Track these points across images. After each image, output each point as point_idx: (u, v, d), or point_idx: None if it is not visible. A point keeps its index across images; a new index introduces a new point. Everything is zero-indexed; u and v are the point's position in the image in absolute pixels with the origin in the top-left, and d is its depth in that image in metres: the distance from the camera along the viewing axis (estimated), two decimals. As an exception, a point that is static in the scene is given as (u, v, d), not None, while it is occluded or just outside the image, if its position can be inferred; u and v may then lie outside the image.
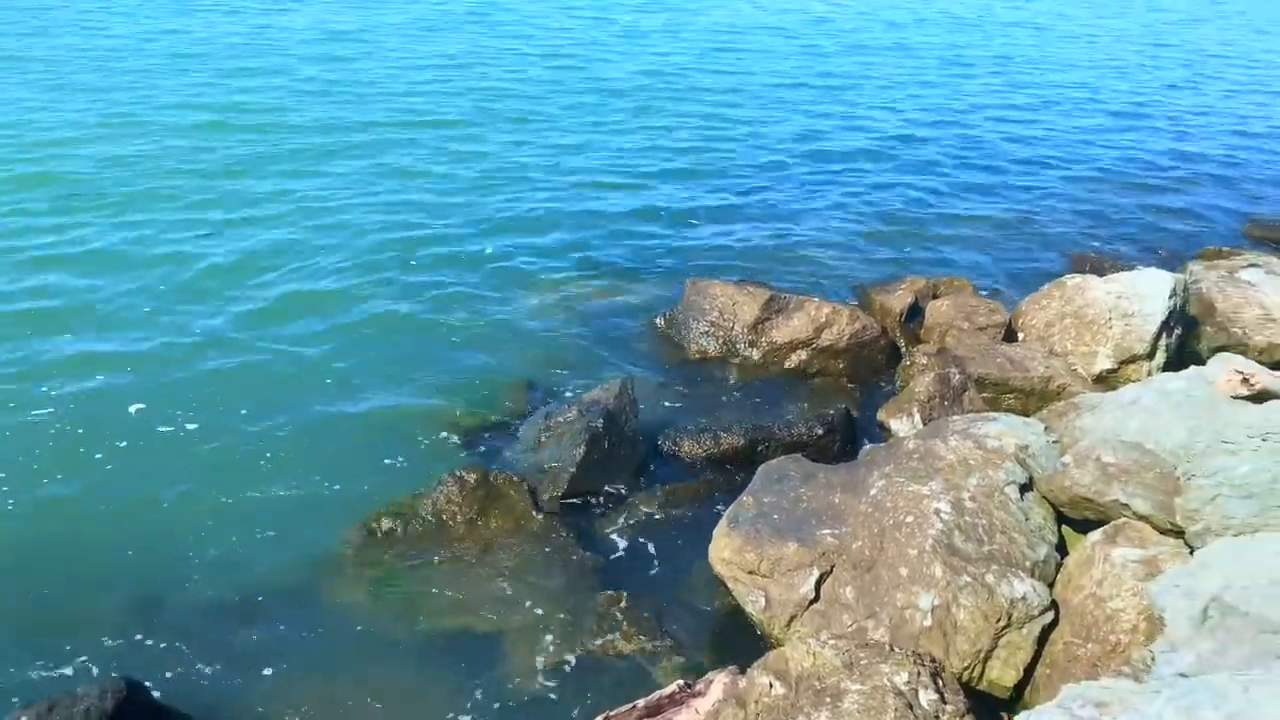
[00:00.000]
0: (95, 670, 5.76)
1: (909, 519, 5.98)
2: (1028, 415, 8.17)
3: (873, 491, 6.33)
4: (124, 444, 8.11)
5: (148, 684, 5.54)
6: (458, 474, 7.64)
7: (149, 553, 6.95)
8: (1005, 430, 6.89)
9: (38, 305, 10.28)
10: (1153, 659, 4.19)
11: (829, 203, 15.43)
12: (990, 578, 5.64)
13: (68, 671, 5.80)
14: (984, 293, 11.58)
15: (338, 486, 7.81)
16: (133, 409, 8.55)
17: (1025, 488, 6.46)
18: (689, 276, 11.21)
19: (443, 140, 17.24)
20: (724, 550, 6.36)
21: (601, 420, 8.13)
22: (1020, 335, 10.48)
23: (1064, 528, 6.59)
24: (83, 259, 11.39)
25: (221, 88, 18.94)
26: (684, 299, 10.71)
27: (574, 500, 7.79)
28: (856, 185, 16.46)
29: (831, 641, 4.70)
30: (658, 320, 10.82)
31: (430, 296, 11.20)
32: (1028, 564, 5.84)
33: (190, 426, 8.41)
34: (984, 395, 9.23)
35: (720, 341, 10.30)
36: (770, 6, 37.79)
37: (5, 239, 11.76)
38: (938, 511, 6.01)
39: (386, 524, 7.32)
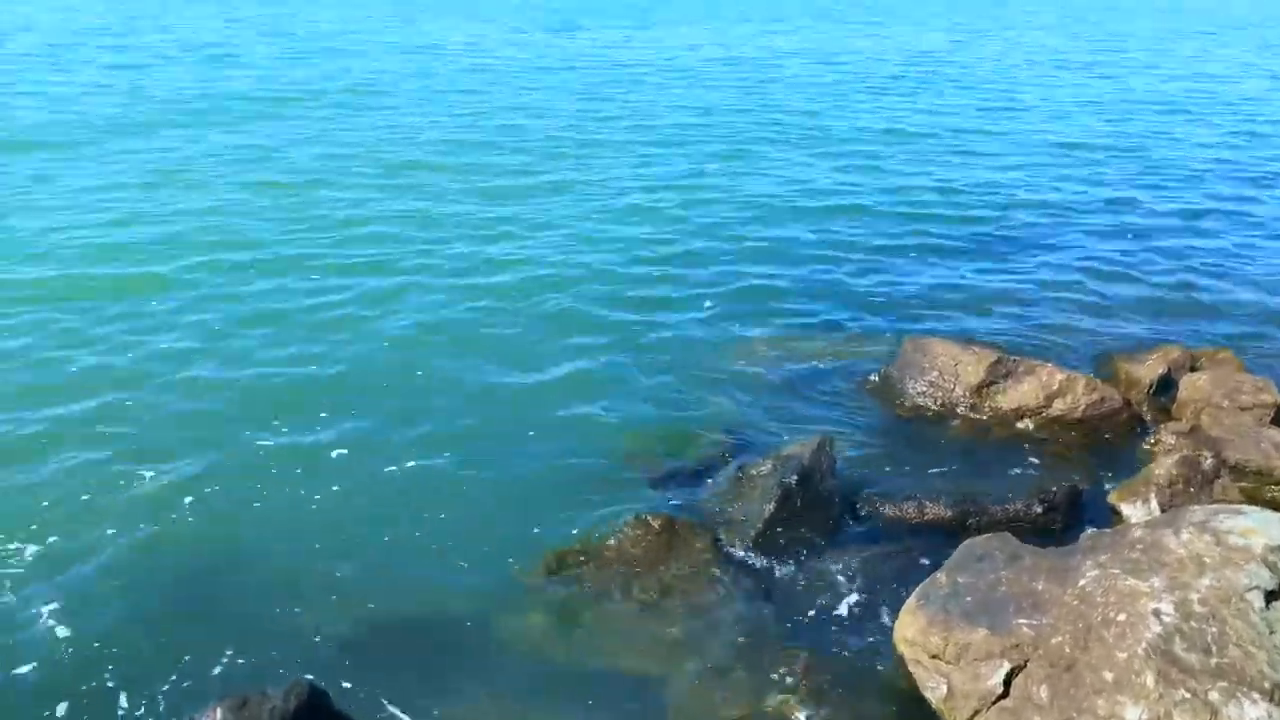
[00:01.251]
0: (281, 672, 6.14)
1: (1121, 617, 5.29)
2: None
3: (1082, 582, 5.67)
4: (323, 473, 8.56)
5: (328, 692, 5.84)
6: (643, 517, 7.62)
7: (337, 573, 7.32)
8: (1254, 526, 5.98)
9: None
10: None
11: (1073, 260, 14.32)
12: (1215, 695, 4.86)
13: (253, 673, 6.23)
14: (1253, 369, 10.23)
15: (522, 518, 7.98)
16: (328, 443, 9.05)
17: (1273, 596, 5.55)
18: (910, 334, 10.71)
19: (673, 180, 17.66)
20: (908, 629, 5.91)
21: (795, 476, 7.85)
22: (1295, 420, 9.15)
23: (1325, 649, 5.60)
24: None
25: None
26: (901, 356, 10.22)
27: (760, 555, 7.53)
28: (1104, 243, 15.18)
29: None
30: (872, 377, 10.38)
31: (636, 337, 11.38)
32: (1266, 685, 4.98)
33: (384, 454, 8.84)
34: (1240, 485, 8.11)
35: (938, 403, 9.72)
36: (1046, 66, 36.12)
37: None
38: (1157, 612, 5.27)
39: (568, 561, 7.39)
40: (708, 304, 12.47)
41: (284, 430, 9.13)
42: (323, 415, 9.41)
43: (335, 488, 8.34)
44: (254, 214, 15.28)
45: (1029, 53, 39.69)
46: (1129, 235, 15.64)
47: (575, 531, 7.79)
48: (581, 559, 7.44)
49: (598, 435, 9.23)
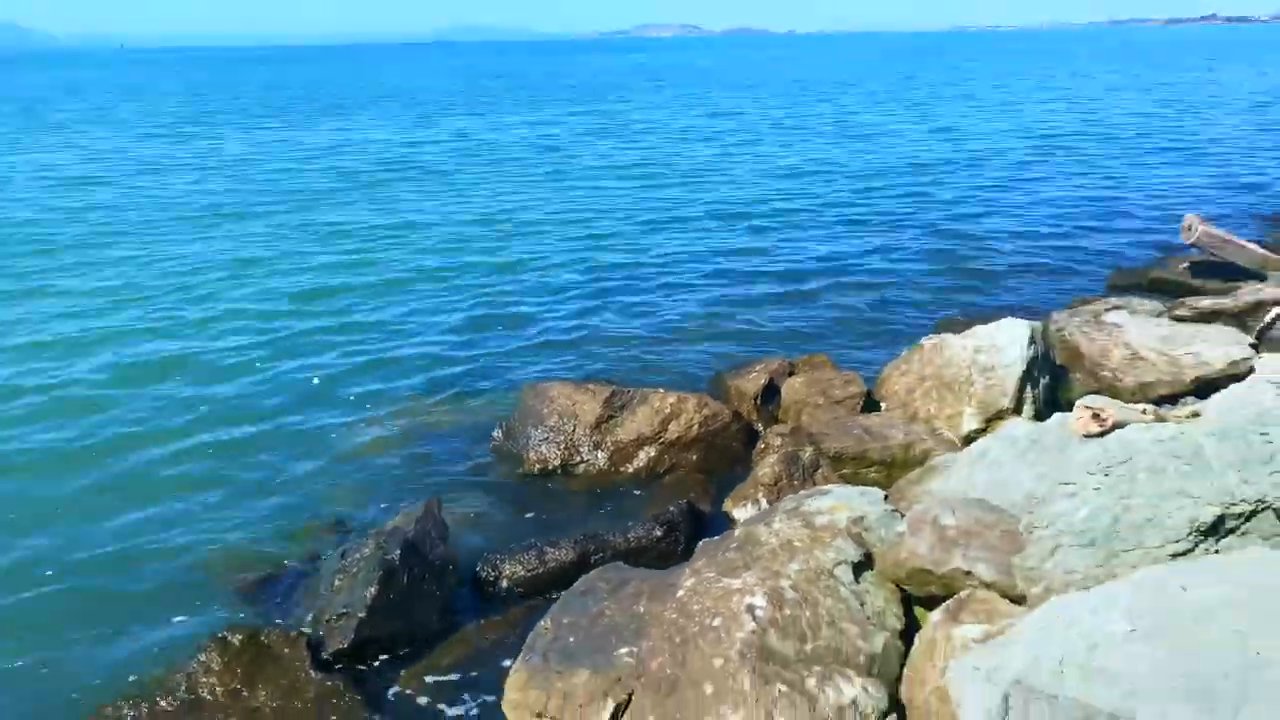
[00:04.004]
0: None
1: (716, 621, 4.96)
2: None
3: (680, 593, 5.31)
4: None
5: None
6: (221, 635, 6.39)
7: None
8: (837, 503, 5.98)
9: None
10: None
11: (681, 294, 14.87)
12: (812, 683, 4.61)
13: None
14: (846, 368, 10.86)
15: (73, 669, 6.49)
16: None
17: (861, 567, 5.51)
18: (528, 381, 10.33)
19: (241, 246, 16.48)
20: (512, 690, 5.24)
21: (399, 550, 6.99)
22: (883, 406, 9.73)
23: (917, 609, 5.64)
24: None
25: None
26: (520, 405, 9.76)
27: (366, 652, 6.57)
28: (708, 273, 16.01)
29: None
30: (495, 433, 9.82)
31: (223, 429, 10.08)
32: (860, 659, 4.83)
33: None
34: (841, 472, 8.36)
35: (561, 448, 9.32)
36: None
37: None
38: (751, 608, 5.00)
39: (127, 713, 5.99)
40: (315, 382, 11.39)
41: None
42: None
43: None
44: None
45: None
46: (721, 270, 16.56)
47: (143, 672, 6.42)
48: (146, 705, 6.07)
49: (178, 553, 7.85)
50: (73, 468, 9.31)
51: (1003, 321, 9.84)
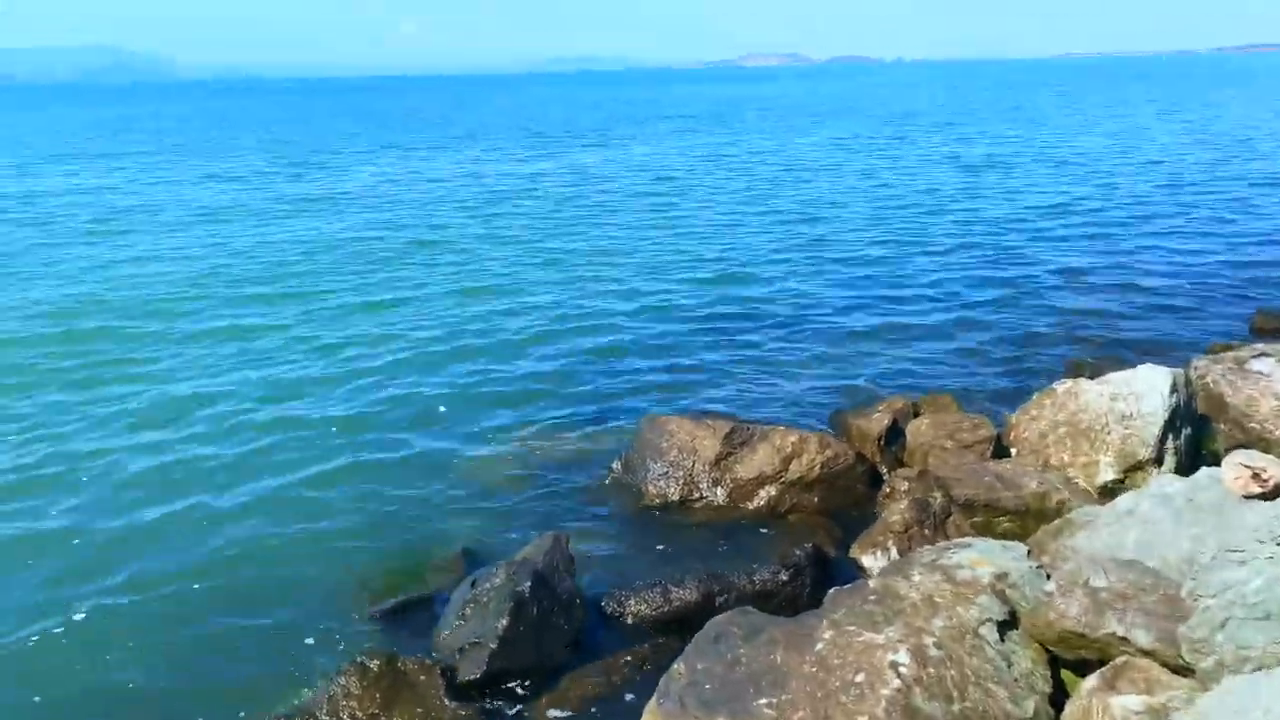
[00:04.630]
0: None
1: (859, 677, 4.88)
2: (1025, 540, 7.09)
3: (819, 645, 5.25)
4: None
5: None
6: (359, 661, 6.59)
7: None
8: (979, 557, 5.84)
9: None
10: None
11: (800, 329, 14.78)
12: (962, 747, 4.49)
13: None
14: (971, 409, 10.61)
15: (218, 688, 6.77)
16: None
17: (1006, 626, 5.36)
18: (647, 415, 10.40)
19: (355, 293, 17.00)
20: (648, 733, 5.25)
21: (529, 583, 7.11)
22: (1013, 451, 9.45)
23: (1064, 672, 5.45)
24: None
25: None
26: (639, 439, 9.83)
27: (498, 682, 6.69)
28: (825, 310, 15.87)
29: None
30: (614, 465, 9.91)
31: (354, 460, 10.42)
32: (1011, 725, 4.69)
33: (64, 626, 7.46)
34: (973, 520, 8.16)
35: (680, 483, 9.34)
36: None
37: None
38: (894, 665, 4.91)
39: (272, 730, 6.24)
40: (441, 409, 11.72)
41: None
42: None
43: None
44: None
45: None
46: (836, 300, 16.42)
47: (284, 696, 6.67)
48: (289, 725, 6.31)
49: (314, 580, 8.12)
50: (213, 488, 9.76)
51: (1141, 368, 9.48)
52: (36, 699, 6.66)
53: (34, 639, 7.28)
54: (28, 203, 29.98)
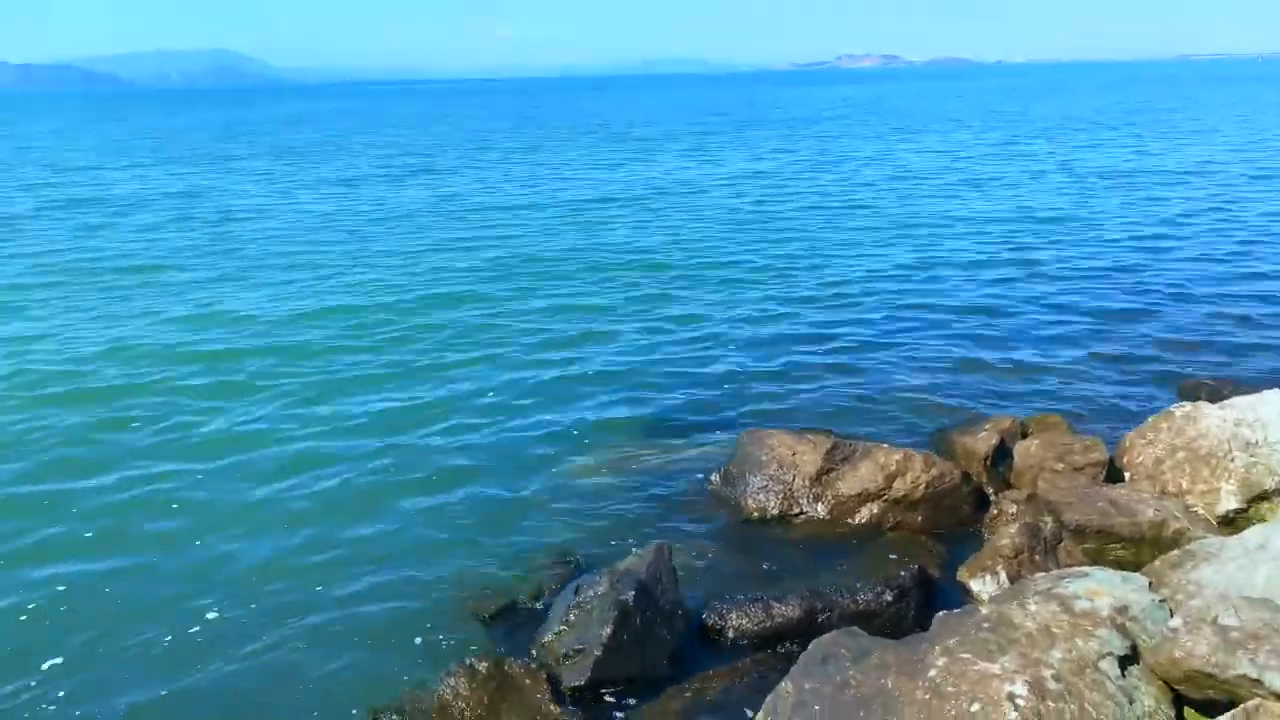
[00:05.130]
0: None
1: (974, 708, 4.81)
2: (1139, 570, 6.88)
3: (932, 672, 5.19)
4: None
5: None
6: (468, 663, 6.77)
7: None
8: (1097, 587, 5.69)
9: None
10: None
11: (901, 343, 14.55)
12: (1083, 785, 4.39)
13: None
14: (1081, 430, 10.32)
15: (332, 678, 7.03)
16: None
17: (1127, 660, 5.20)
18: (747, 429, 10.39)
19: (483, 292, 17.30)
20: (755, 752, 5.26)
21: (633, 592, 7.19)
22: (1126, 475, 9.16)
23: (1187, 710, 5.27)
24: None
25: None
26: (739, 452, 9.83)
27: (601, 689, 6.78)
28: (927, 324, 15.59)
29: None
30: (712, 478, 9.94)
31: (458, 463, 10.67)
32: (1134, 764, 4.57)
33: (195, 621, 7.85)
34: (1084, 547, 7.94)
35: (780, 497, 9.31)
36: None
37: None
38: (1011, 696, 4.83)
39: (384, 724, 6.45)
40: (543, 414, 11.92)
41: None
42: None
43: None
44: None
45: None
46: (935, 314, 16.12)
47: (394, 689, 6.89)
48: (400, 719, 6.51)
49: (416, 586, 8.31)
50: (323, 489, 10.10)
51: (1268, 392, 9.09)
52: (142, 695, 6.96)
53: (142, 637, 7.62)
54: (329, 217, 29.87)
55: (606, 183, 35.81)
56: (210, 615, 7.88)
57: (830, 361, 13.77)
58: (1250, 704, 4.68)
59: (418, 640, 7.54)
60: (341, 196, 33.49)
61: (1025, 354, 13.82)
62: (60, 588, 8.28)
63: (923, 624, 7.22)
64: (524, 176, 38.57)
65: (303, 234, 25.51)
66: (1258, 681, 4.68)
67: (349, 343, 15.13)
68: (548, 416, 11.92)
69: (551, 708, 6.55)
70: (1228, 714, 4.69)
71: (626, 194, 32.36)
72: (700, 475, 10.13)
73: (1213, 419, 8.92)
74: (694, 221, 26.23)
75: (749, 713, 6.28)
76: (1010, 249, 21.46)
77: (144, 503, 9.87)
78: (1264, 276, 18.19)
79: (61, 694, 6.92)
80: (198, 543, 9.07)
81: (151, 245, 24.05)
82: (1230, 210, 25.61)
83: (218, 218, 28.73)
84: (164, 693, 6.95)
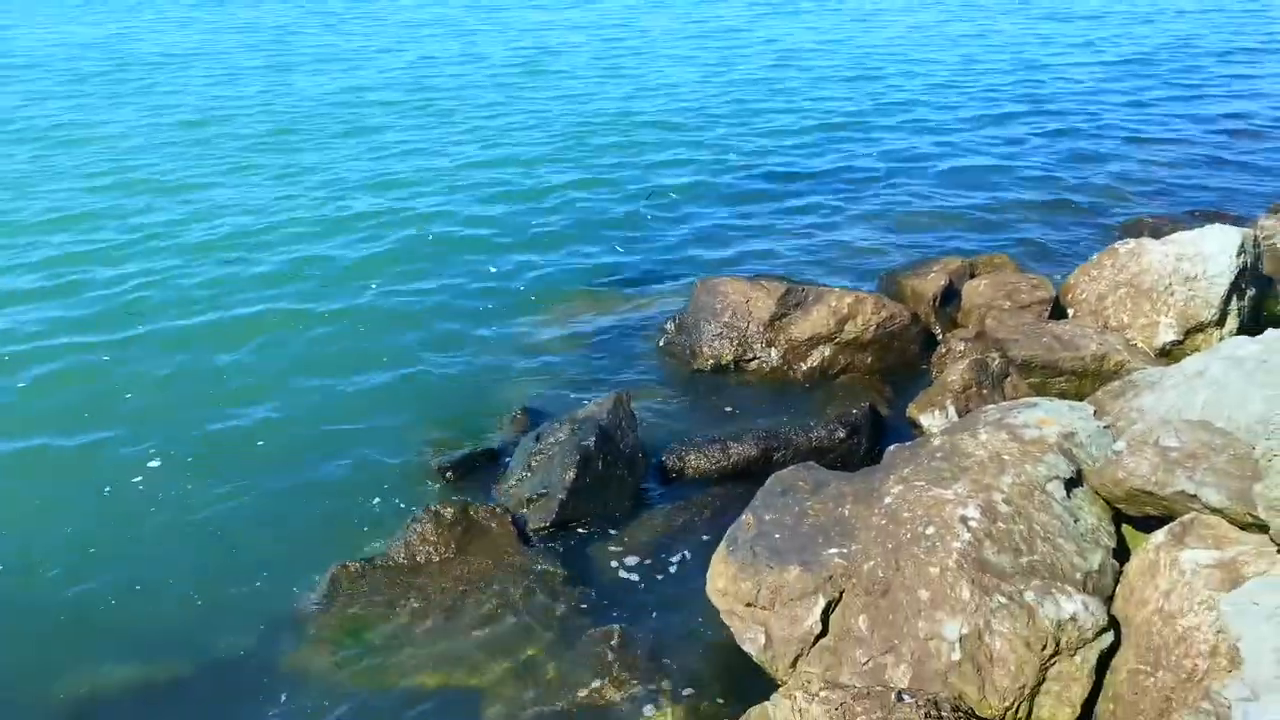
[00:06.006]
0: None
1: (929, 530, 5.03)
2: (1081, 400, 7.14)
3: (888, 500, 5.39)
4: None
5: None
6: (433, 509, 6.88)
7: (86, 614, 6.34)
8: (1045, 416, 5.90)
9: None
10: (1228, 706, 3.21)
11: (852, 193, 14.46)
12: (1031, 596, 4.66)
13: None
14: (1028, 269, 10.50)
15: (302, 538, 7.08)
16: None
17: (1073, 483, 5.45)
18: (701, 277, 10.37)
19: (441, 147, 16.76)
20: (719, 579, 5.48)
21: (594, 438, 7.30)
22: (1070, 311, 9.40)
23: (1125, 528, 5.58)
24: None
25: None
26: (693, 301, 9.84)
27: (565, 530, 6.97)
28: (877, 171, 15.49)
29: (823, 693, 3.79)
30: (667, 326, 9.97)
31: (412, 320, 10.51)
32: (1078, 576, 4.84)
33: (142, 474, 7.80)
34: (1030, 381, 8.19)
35: (735, 344, 9.40)
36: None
37: None
38: (964, 519, 5.05)
39: (354, 573, 6.56)
40: (491, 270, 11.76)
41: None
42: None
43: (80, 505, 7.34)
44: None
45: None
46: (888, 160, 16.01)
47: (361, 540, 7.01)
48: (370, 568, 6.63)
49: (379, 441, 8.28)
50: (283, 354, 9.88)
51: (1210, 228, 9.27)
52: (113, 537, 7.02)
53: (113, 483, 7.62)
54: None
55: (547, 28, 34.31)
56: (156, 464, 7.84)
57: (782, 209, 13.68)
58: (1186, 518, 4.95)
59: (377, 500, 7.54)
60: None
61: (977, 198, 13.87)
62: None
63: (874, 459, 7.44)
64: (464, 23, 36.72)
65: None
66: (1194, 497, 4.93)
67: (280, 209, 14.60)
68: (496, 276, 11.72)
69: (518, 547, 6.72)
70: (1164, 528, 4.96)
71: (569, 42, 31.09)
72: (654, 327, 10.15)
73: (1156, 255, 9.11)
74: (642, 73, 25.37)
75: (710, 541, 6.50)
76: (957, 96, 21.22)
77: (89, 370, 9.64)
78: (1213, 118, 18.29)
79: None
80: (145, 409, 8.89)
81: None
82: (1179, 50, 25.50)
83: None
84: (113, 537, 6.98)
